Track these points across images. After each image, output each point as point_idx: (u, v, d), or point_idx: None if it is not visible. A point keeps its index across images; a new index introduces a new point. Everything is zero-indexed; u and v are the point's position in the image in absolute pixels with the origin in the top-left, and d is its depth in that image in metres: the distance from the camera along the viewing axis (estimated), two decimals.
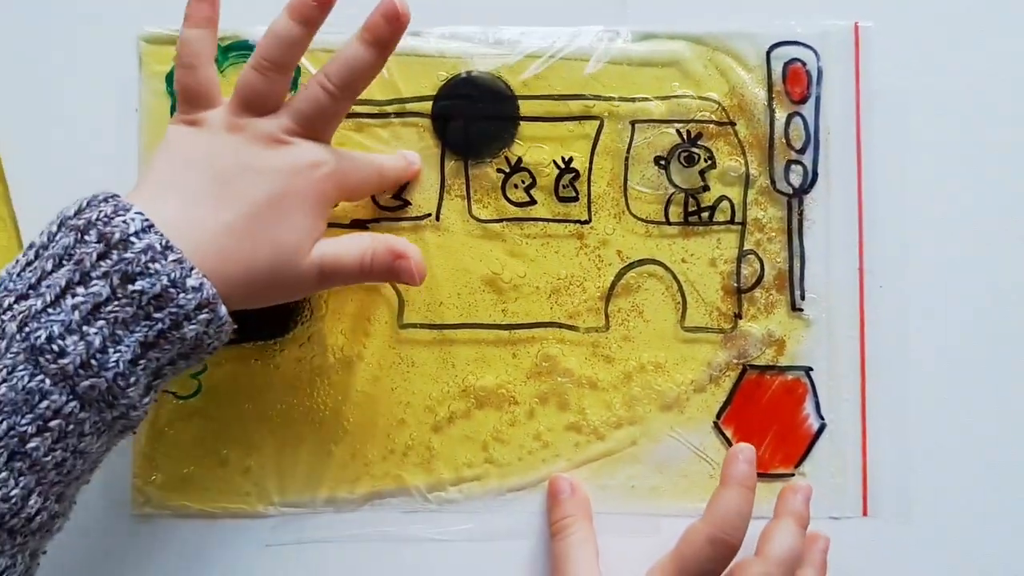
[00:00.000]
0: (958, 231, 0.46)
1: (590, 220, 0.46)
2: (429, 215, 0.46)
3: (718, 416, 0.46)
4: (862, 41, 0.46)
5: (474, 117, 0.46)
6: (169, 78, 0.46)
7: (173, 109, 0.46)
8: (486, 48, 0.46)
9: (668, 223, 0.46)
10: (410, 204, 0.46)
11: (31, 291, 0.34)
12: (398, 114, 0.46)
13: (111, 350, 0.34)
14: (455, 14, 0.46)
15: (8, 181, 0.46)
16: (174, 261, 0.34)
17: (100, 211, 0.35)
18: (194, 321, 0.35)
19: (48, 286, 0.34)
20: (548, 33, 0.46)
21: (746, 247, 0.46)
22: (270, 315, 0.45)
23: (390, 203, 0.46)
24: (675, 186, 0.46)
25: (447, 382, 0.46)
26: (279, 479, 0.45)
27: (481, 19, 0.46)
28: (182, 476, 0.45)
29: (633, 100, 0.46)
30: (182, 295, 0.35)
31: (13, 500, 0.33)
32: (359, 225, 0.46)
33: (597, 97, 0.46)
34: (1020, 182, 0.47)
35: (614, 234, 0.46)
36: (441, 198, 0.46)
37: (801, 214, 0.46)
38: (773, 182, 0.46)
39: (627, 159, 0.46)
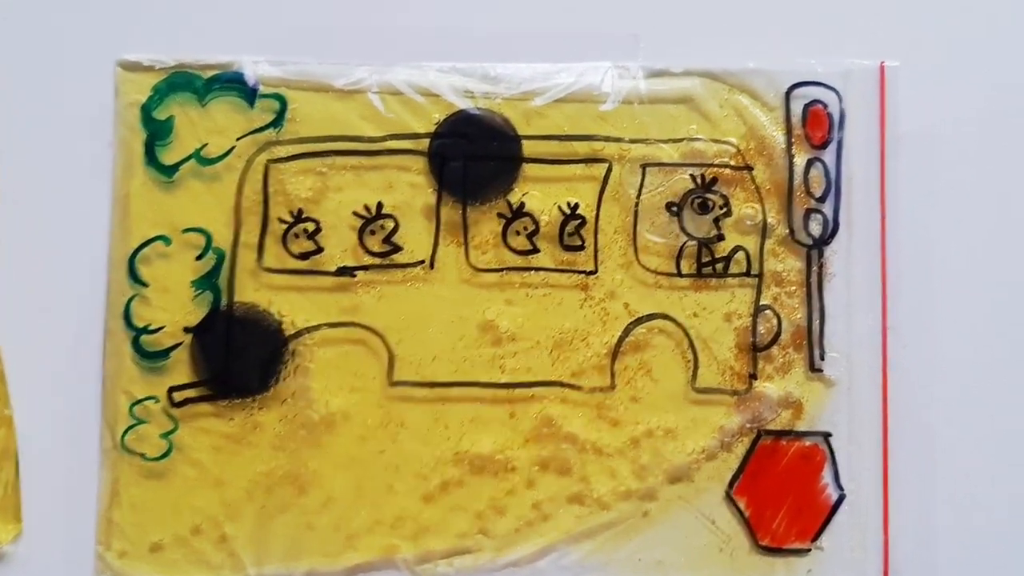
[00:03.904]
0: (988, 286, 0.45)
1: (596, 270, 0.43)
2: (422, 262, 0.43)
3: (730, 485, 0.43)
4: (888, 82, 0.44)
5: (474, 157, 0.43)
6: (145, 109, 0.43)
7: (147, 144, 0.43)
8: (488, 84, 0.43)
9: (679, 275, 0.44)
10: (401, 249, 0.43)
11: None
12: (392, 152, 0.43)
13: None
14: (455, 48, 0.44)
15: None
16: None
17: None
18: None
19: None
20: (554, 69, 0.44)
21: (763, 302, 0.44)
22: (249, 369, 0.42)
23: (380, 248, 0.43)
24: (688, 235, 0.44)
25: (439, 445, 0.43)
26: (256, 549, 0.42)
27: (483, 54, 0.44)
28: (150, 545, 0.42)
29: (645, 142, 0.43)
30: None
31: None
32: (346, 272, 0.43)
33: (606, 138, 0.43)
34: None
35: (621, 286, 0.43)
36: (436, 244, 0.43)
37: (821, 267, 0.44)
38: (792, 232, 0.44)
39: (637, 205, 0.44)
